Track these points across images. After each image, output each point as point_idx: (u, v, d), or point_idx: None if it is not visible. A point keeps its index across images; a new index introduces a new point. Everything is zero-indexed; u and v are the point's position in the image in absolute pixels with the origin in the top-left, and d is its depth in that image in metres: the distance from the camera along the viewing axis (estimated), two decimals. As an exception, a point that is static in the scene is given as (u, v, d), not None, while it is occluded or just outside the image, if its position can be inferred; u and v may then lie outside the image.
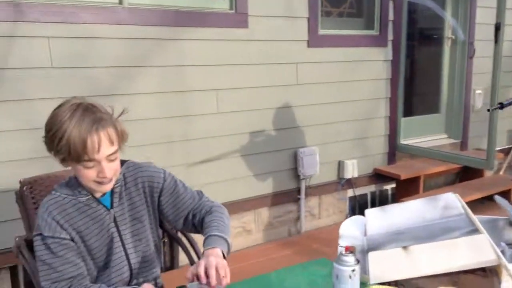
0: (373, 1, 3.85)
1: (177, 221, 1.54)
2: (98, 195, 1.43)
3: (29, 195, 1.68)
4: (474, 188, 4.01)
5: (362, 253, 1.62)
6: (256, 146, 3.31)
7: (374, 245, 1.63)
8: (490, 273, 1.46)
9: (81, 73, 2.61)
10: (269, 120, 3.36)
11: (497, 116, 3.69)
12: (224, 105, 3.13)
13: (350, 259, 1.21)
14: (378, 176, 4.00)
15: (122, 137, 1.38)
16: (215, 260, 1.24)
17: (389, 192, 4.17)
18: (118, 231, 1.46)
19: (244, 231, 3.38)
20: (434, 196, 1.97)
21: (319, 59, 3.53)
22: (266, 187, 3.42)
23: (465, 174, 4.39)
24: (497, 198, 2.31)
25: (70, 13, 2.54)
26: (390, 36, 3.93)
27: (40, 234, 1.34)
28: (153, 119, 2.87)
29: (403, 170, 3.97)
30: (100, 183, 1.35)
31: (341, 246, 1.66)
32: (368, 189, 4.01)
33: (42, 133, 1.36)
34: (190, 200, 1.54)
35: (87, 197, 1.41)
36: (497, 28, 3.83)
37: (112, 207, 1.45)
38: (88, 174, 1.32)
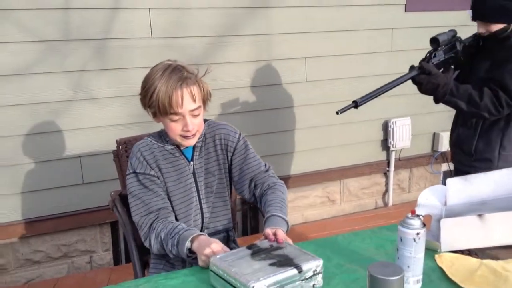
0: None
1: (241, 185, 1.65)
2: (182, 147, 1.57)
3: (124, 153, 1.88)
4: None
5: (439, 222, 1.59)
6: (345, 116, 3.28)
7: (453, 215, 1.59)
8: None
9: (177, 43, 2.76)
10: (360, 89, 3.28)
11: None
12: (314, 73, 3.14)
13: (415, 222, 1.20)
14: None
15: (205, 95, 1.51)
16: None
17: (489, 168, 3.90)
18: (196, 182, 1.59)
19: (329, 201, 3.41)
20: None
21: (416, 24, 3.36)
22: (354, 157, 3.39)
23: None
24: None
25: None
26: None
27: (134, 172, 1.52)
28: (244, 87, 2.97)
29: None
30: (185, 137, 1.49)
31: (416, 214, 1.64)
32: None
33: (138, 100, 1.52)
34: (256, 167, 1.64)
35: (172, 147, 1.57)
36: None
37: (192, 159, 1.59)
38: (175, 128, 1.47)
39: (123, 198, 1.69)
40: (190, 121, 1.46)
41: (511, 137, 2.02)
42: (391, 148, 3.42)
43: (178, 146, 1.57)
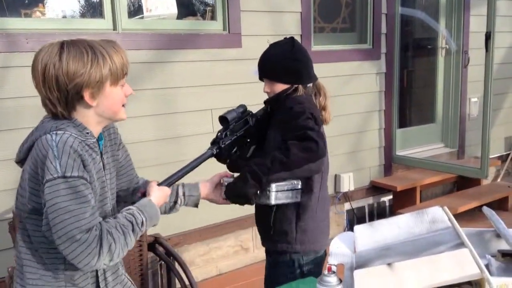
0: (365, 15, 3.91)
1: (122, 181, 1.59)
2: (116, 122, 1.48)
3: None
4: (471, 197, 4.03)
5: (351, 271, 1.65)
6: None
7: (362, 262, 1.66)
8: (476, 286, 1.49)
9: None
10: (265, 137, 3.40)
11: (489, 124, 3.72)
12: (220, 125, 3.17)
13: (332, 279, 1.24)
14: (375, 188, 4.03)
15: None
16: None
17: (387, 204, 4.19)
18: (105, 180, 1.42)
19: (242, 249, 3.40)
20: (421, 210, 2.00)
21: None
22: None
23: (462, 183, 4.41)
24: (485, 209, 2.34)
25: (65, 41, 2.60)
26: (383, 49, 3.99)
27: (63, 177, 1.21)
28: (146, 141, 2.92)
29: (400, 181, 3.99)
30: (123, 105, 1.42)
31: (330, 264, 1.70)
32: (365, 202, 4.04)
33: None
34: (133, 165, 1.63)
35: (93, 140, 1.36)
36: (487, 37, 3.90)
37: (102, 153, 1.42)
38: (122, 96, 1.39)
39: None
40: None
41: (306, 208, 1.89)
42: (298, 192, 3.53)
43: (97, 139, 1.39)
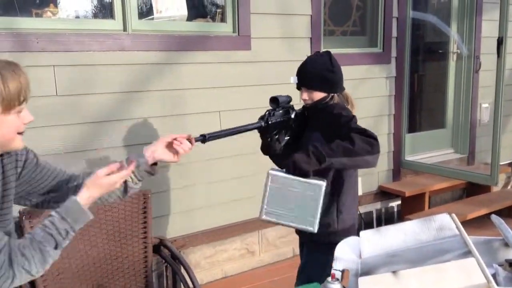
0: (376, 19, 3.89)
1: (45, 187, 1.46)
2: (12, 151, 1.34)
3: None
4: (481, 204, 3.99)
5: (356, 277, 1.63)
6: (260, 166, 3.34)
7: (367, 269, 1.64)
8: (482, 298, 1.46)
9: (84, 100, 2.67)
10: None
11: (500, 131, 3.67)
12: (228, 126, 3.16)
13: (336, 286, 1.23)
14: (383, 194, 4.00)
15: None
16: None
17: (395, 209, 4.16)
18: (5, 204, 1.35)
19: (248, 253, 3.39)
20: (429, 217, 1.97)
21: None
22: (270, 206, 3.43)
23: (472, 189, 4.36)
24: (493, 217, 2.30)
25: (75, 41, 2.62)
26: (394, 53, 3.96)
27: None
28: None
29: (408, 186, 3.96)
30: (21, 133, 1.29)
31: (335, 270, 1.68)
32: (373, 207, 4.01)
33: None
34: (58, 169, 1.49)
35: None
36: (500, 42, 3.86)
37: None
38: (19, 123, 1.27)
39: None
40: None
41: (344, 202, 2.12)
42: (305, 196, 3.52)
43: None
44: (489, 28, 4.35)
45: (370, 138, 1.91)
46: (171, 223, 3.01)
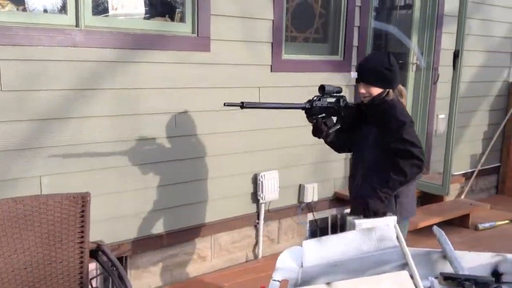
0: (338, 27, 3.91)
1: None
2: None
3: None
4: (433, 213, 4.07)
5: (295, 287, 1.62)
6: (215, 170, 3.31)
7: (308, 278, 1.63)
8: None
9: (32, 96, 2.57)
10: (229, 144, 3.36)
11: (453, 142, 3.77)
12: (183, 129, 3.13)
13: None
14: (339, 200, 4.03)
15: None
16: None
17: (350, 216, 4.19)
18: None
19: (199, 258, 3.34)
20: (370, 227, 1.99)
21: (282, 84, 3.56)
22: (225, 212, 3.40)
23: (427, 198, 4.45)
24: (434, 228, 2.34)
25: (24, 36, 2.52)
26: (354, 62, 3.99)
27: None
28: (106, 142, 2.84)
29: (364, 194, 3.99)
30: None
31: (274, 280, 1.67)
32: (329, 213, 4.03)
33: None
34: None
35: None
36: (456, 55, 3.97)
37: None
38: None
39: None
40: None
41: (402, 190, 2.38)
42: (261, 201, 3.51)
43: None
44: (448, 40, 4.45)
45: (416, 161, 2.22)
46: (118, 226, 2.93)
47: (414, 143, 2.26)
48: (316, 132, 2.40)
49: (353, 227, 2.13)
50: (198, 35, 3.12)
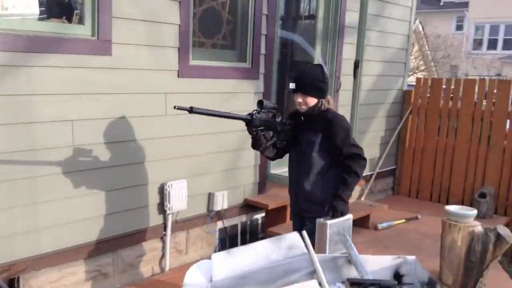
0: (246, 35, 3.93)
1: None
2: None
3: None
4: (338, 216, 4.21)
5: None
6: (118, 181, 3.14)
7: (217, 294, 1.58)
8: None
9: None
10: (134, 153, 3.21)
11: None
12: (81, 137, 2.92)
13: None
14: (249, 206, 4.04)
15: None
16: None
17: (259, 222, 4.23)
18: None
19: (100, 275, 3.15)
20: (279, 236, 2.00)
21: (189, 90, 3.49)
22: (128, 225, 3.23)
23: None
24: (341, 235, 2.41)
25: None
26: (262, 69, 4.04)
27: None
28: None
29: (272, 199, 4.05)
30: None
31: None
32: (238, 220, 4.03)
33: None
34: None
35: None
36: (356, 65, 4.19)
37: None
38: None
39: None
40: None
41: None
42: (168, 211, 3.39)
43: None
44: (349, 51, 4.68)
45: (362, 161, 2.65)
46: (10, 244, 2.66)
47: (358, 146, 2.67)
48: (256, 145, 2.64)
49: (325, 228, 2.41)
50: (98, 38, 2.95)
